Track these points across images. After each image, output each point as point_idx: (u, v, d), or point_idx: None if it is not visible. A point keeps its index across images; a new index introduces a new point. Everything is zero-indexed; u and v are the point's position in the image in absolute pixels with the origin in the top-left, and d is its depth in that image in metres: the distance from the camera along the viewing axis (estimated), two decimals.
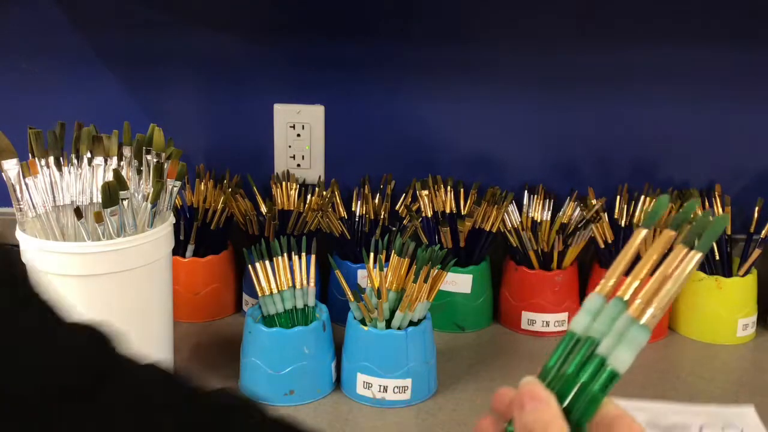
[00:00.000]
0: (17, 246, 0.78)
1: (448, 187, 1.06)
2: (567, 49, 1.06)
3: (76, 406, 0.34)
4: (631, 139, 1.10)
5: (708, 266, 1.03)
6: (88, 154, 0.83)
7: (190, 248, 1.05)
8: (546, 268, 1.04)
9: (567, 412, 0.39)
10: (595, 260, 1.07)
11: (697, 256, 0.40)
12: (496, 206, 1.03)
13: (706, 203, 1.06)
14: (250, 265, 0.89)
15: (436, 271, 0.87)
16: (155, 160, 0.84)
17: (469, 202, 1.06)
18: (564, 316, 1.04)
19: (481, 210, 1.04)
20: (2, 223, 1.09)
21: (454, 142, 1.11)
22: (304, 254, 0.90)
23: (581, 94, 1.08)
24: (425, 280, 0.85)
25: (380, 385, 0.86)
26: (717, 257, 1.03)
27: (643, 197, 1.05)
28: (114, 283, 0.77)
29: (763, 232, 1.03)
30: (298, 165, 1.12)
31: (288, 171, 1.12)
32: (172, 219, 0.84)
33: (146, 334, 0.82)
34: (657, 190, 1.06)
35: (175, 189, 0.85)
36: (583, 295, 1.07)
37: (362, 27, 1.07)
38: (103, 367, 0.37)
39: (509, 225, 1.05)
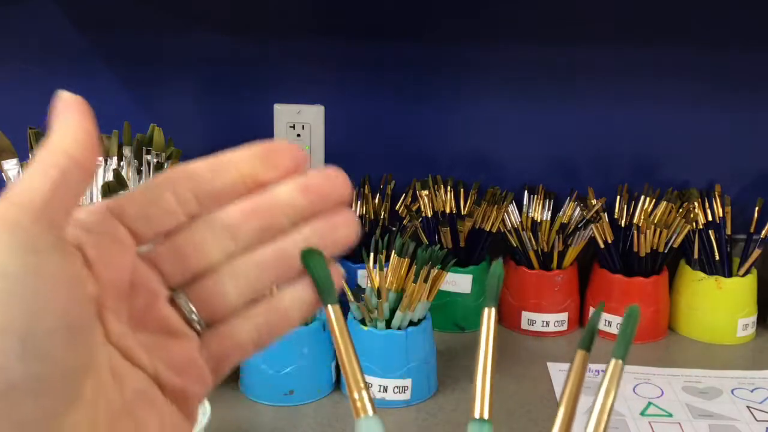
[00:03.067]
0: None
1: (448, 187, 1.06)
2: (567, 49, 1.06)
3: None
4: (631, 139, 1.10)
5: (708, 266, 1.03)
6: None
7: None
8: (546, 268, 1.04)
9: None
10: (595, 260, 1.07)
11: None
12: (496, 206, 1.03)
13: (706, 203, 1.06)
14: None
15: (436, 271, 0.86)
16: (155, 160, 0.84)
17: (469, 202, 1.06)
18: (564, 316, 1.04)
19: (481, 210, 1.04)
20: None
21: (454, 142, 1.11)
22: None
23: (581, 94, 1.08)
24: (425, 280, 0.85)
25: (380, 385, 0.86)
26: (717, 257, 1.03)
27: (643, 197, 1.05)
28: None
29: (763, 232, 1.03)
30: None
31: None
32: None
33: None
34: (657, 191, 1.06)
35: None
36: (583, 295, 1.07)
37: (363, 27, 1.07)
38: None
39: (509, 225, 1.05)
